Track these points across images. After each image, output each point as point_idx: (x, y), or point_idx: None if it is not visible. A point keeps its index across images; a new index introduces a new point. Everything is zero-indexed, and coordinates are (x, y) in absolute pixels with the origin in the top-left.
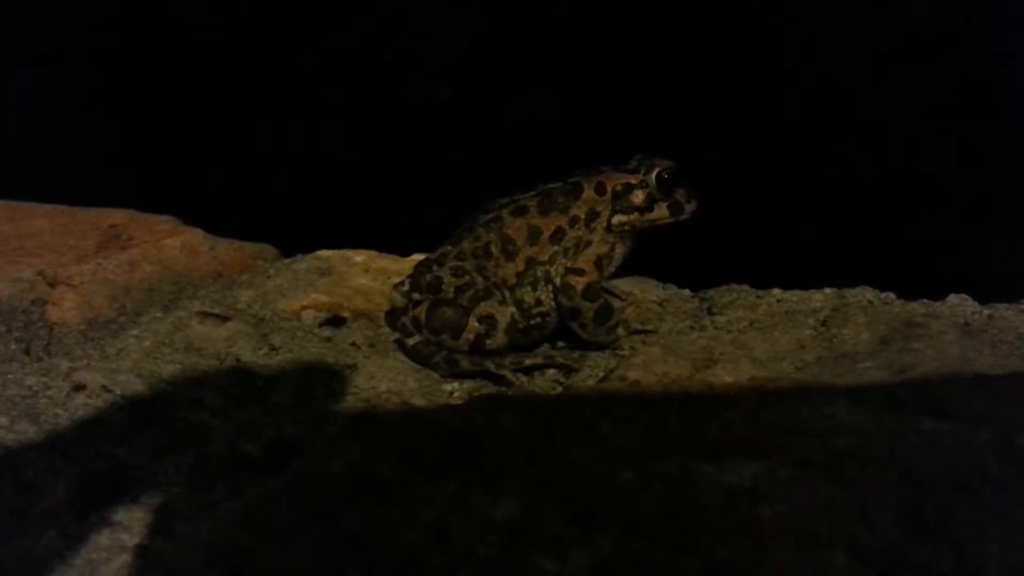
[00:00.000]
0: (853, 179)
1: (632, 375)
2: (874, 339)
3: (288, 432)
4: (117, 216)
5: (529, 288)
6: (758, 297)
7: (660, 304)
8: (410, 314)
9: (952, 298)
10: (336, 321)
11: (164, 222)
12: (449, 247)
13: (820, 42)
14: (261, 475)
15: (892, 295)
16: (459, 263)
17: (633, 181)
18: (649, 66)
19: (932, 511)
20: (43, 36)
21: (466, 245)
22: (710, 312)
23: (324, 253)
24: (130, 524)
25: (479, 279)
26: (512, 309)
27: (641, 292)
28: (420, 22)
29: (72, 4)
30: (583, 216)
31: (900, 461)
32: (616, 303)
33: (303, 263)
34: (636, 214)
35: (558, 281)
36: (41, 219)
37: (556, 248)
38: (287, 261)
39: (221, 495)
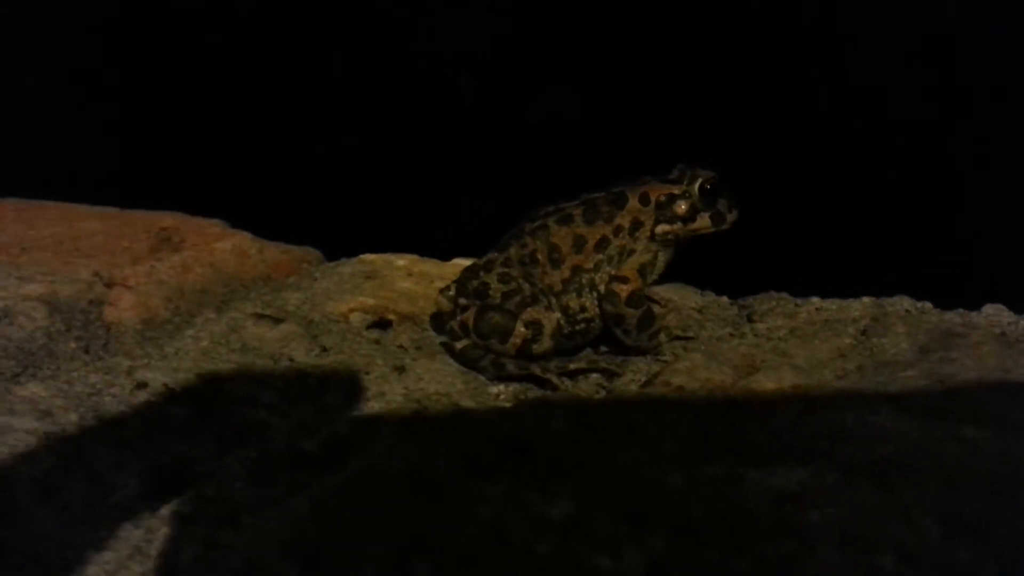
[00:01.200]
0: (886, 184)
1: (676, 380)
2: (914, 348)
3: (343, 431)
4: (167, 219)
5: (575, 295)
6: (797, 305)
7: (699, 311)
8: (458, 319)
9: (988, 308)
10: (383, 324)
11: (213, 225)
12: (496, 254)
13: (853, 41)
14: (321, 471)
15: (929, 304)
16: (506, 270)
17: (676, 192)
18: (674, 66)
19: (974, 515)
20: (85, 39)
21: (513, 252)
22: (749, 319)
23: (367, 257)
24: (199, 517)
25: (526, 285)
26: (558, 315)
27: (680, 299)
28: (446, 21)
29: (112, 7)
30: (627, 225)
31: (943, 467)
32: (657, 309)
33: (348, 267)
34: (679, 224)
35: (603, 288)
36: (94, 221)
37: (601, 256)
38: (332, 264)
39: (284, 490)
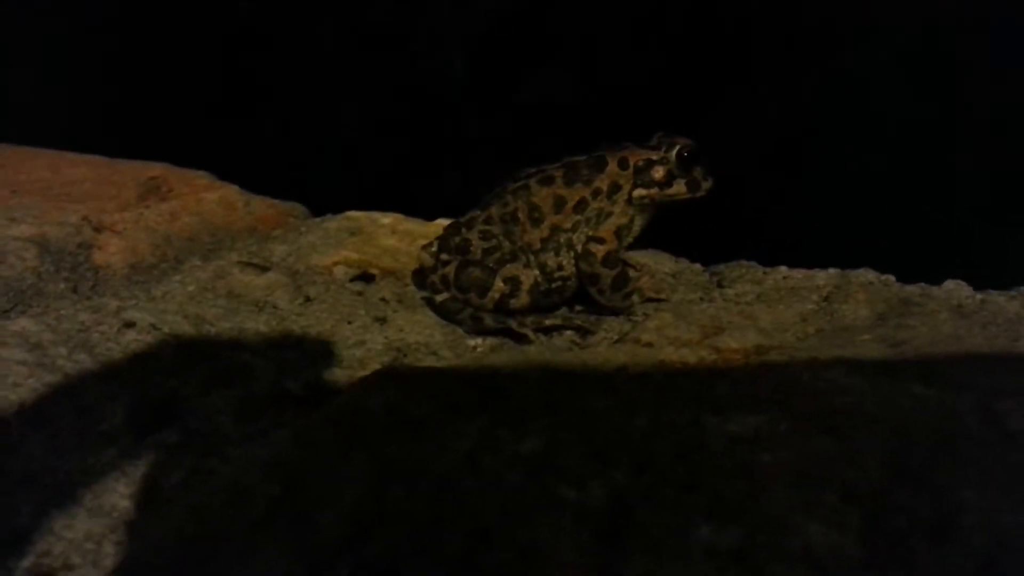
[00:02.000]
0: (862, 167)
1: (646, 337)
2: (872, 315)
3: (325, 374)
4: (156, 169)
5: (552, 253)
6: (765, 273)
7: (673, 276)
8: (439, 273)
9: (948, 283)
10: (366, 277)
11: (201, 177)
12: (477, 212)
13: (838, 30)
14: (304, 409)
15: (892, 277)
16: (487, 227)
17: (655, 157)
18: (666, 50)
19: (916, 462)
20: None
21: (494, 211)
22: (719, 285)
23: (353, 214)
24: (185, 446)
25: (506, 243)
26: (536, 272)
27: (656, 264)
28: None
29: None
30: (606, 188)
31: (890, 419)
32: (632, 272)
33: (333, 222)
34: (656, 188)
35: (580, 248)
36: (82, 168)
37: (579, 217)
38: (318, 220)
39: (267, 425)
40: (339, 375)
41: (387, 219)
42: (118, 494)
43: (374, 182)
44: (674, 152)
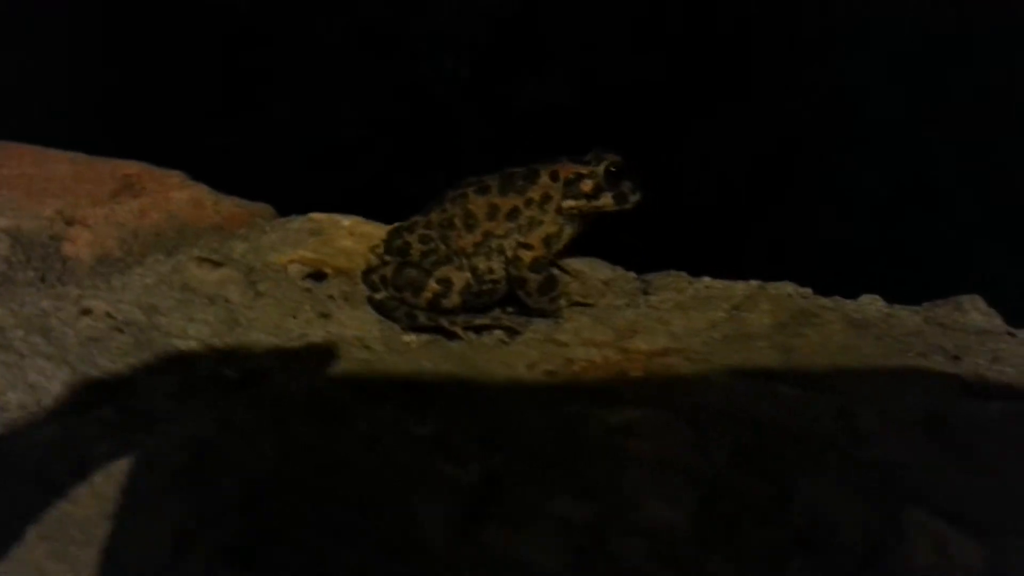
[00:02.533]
0: (826, 182)
1: (563, 338)
2: (774, 324)
3: (263, 362)
4: (132, 167)
5: (483, 257)
6: (689, 283)
7: (606, 283)
8: (379, 272)
9: (864, 297)
10: (319, 276)
11: (174, 176)
12: (419, 217)
13: (835, 40)
14: (235, 393)
15: (810, 290)
16: (426, 231)
17: (584, 171)
18: (665, 53)
19: (762, 453)
20: None
21: (434, 216)
22: (645, 292)
23: (316, 216)
24: (119, 423)
25: (442, 247)
26: (467, 275)
27: (591, 271)
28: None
29: None
30: (538, 198)
31: (751, 415)
32: (564, 278)
33: (296, 223)
34: (584, 200)
35: (510, 253)
36: (64, 164)
37: (511, 225)
38: (282, 220)
39: (200, 406)
40: (275, 364)
41: (347, 221)
42: (54, 468)
43: (364, 184)
44: (602, 167)
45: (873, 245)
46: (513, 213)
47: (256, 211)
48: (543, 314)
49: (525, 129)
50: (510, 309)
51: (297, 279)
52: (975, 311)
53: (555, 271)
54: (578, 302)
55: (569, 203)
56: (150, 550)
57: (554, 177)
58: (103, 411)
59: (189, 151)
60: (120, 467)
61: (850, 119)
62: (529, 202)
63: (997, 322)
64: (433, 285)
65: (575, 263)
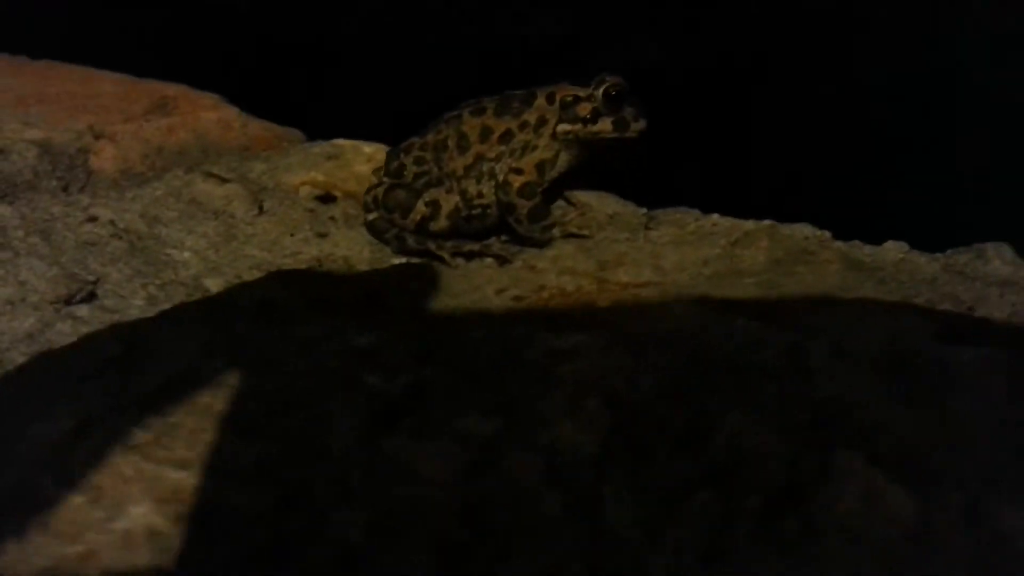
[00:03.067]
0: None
1: (540, 265)
2: (768, 261)
3: (246, 276)
4: (171, 89)
5: (474, 180)
6: (696, 219)
7: (611, 216)
8: (371, 193)
9: (889, 243)
10: (328, 198)
11: (208, 98)
12: (416, 139)
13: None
14: (202, 299)
15: (828, 233)
16: (421, 153)
17: (581, 94)
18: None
19: (694, 383)
20: None
21: (429, 137)
22: (646, 227)
23: (340, 141)
24: (90, 319)
25: (435, 169)
26: (456, 198)
27: (598, 203)
28: None
29: None
30: (533, 122)
31: (697, 348)
32: (564, 208)
33: (318, 147)
34: (580, 124)
35: (500, 177)
36: (108, 84)
37: (503, 148)
38: (306, 144)
39: (166, 308)
40: (260, 278)
41: (369, 148)
42: (21, 352)
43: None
44: (601, 90)
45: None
46: (506, 136)
47: (284, 135)
48: (534, 243)
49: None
50: (504, 238)
51: (306, 200)
52: (998, 259)
53: (550, 203)
54: (572, 233)
55: (564, 127)
56: (54, 433)
57: (550, 99)
58: (79, 309)
59: (267, 86)
60: (63, 353)
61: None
62: (524, 125)
63: None
64: (421, 207)
65: (583, 195)
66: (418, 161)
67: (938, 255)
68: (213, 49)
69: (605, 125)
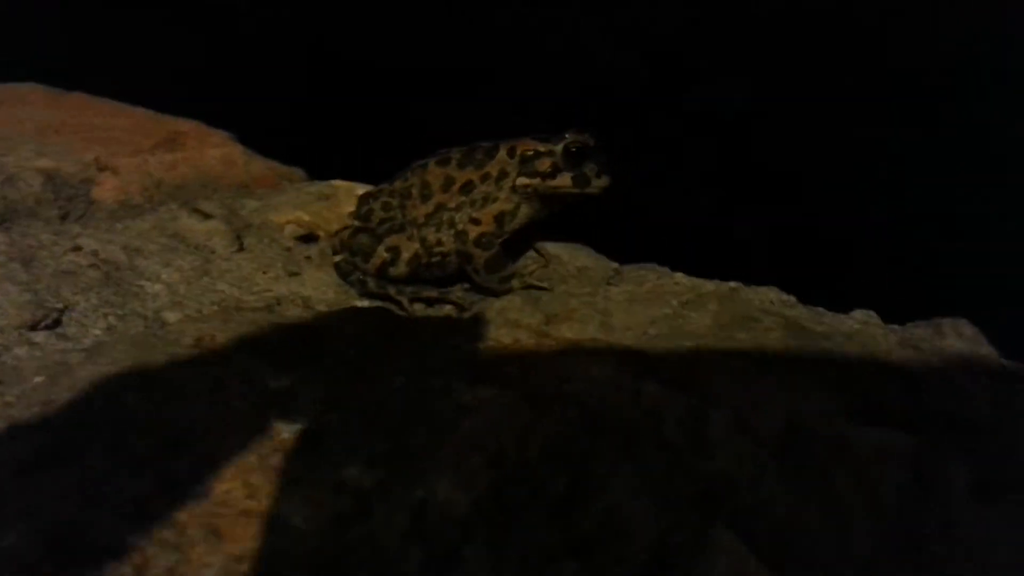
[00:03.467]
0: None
1: (487, 315)
2: (713, 325)
3: (206, 310)
4: (185, 125)
5: (433, 229)
6: (658, 277)
7: (579, 269)
8: (339, 236)
9: (857, 312)
10: (310, 238)
11: (217, 135)
12: (387, 185)
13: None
14: (153, 332)
15: (794, 299)
16: (389, 199)
17: (542, 149)
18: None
19: (583, 446)
20: None
21: (398, 184)
22: (608, 283)
23: (336, 182)
24: (44, 345)
25: (399, 215)
26: (417, 245)
27: (569, 256)
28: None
29: None
30: (495, 174)
31: (600, 407)
32: (530, 259)
33: (313, 187)
34: (539, 179)
35: (460, 227)
36: (126, 118)
37: (464, 198)
38: (304, 183)
39: (116, 338)
40: (213, 311)
41: (363, 189)
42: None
43: None
44: (561, 146)
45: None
46: (467, 186)
47: (286, 173)
48: (493, 293)
49: (695, 131)
50: (466, 286)
51: (288, 239)
52: (955, 335)
53: (519, 253)
54: (532, 285)
55: (523, 180)
56: None
57: (511, 153)
58: (39, 335)
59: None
60: (22, 381)
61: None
62: (485, 177)
63: (984, 350)
64: (382, 252)
65: (554, 247)
66: (385, 207)
67: (895, 327)
68: (240, 88)
69: (565, 180)
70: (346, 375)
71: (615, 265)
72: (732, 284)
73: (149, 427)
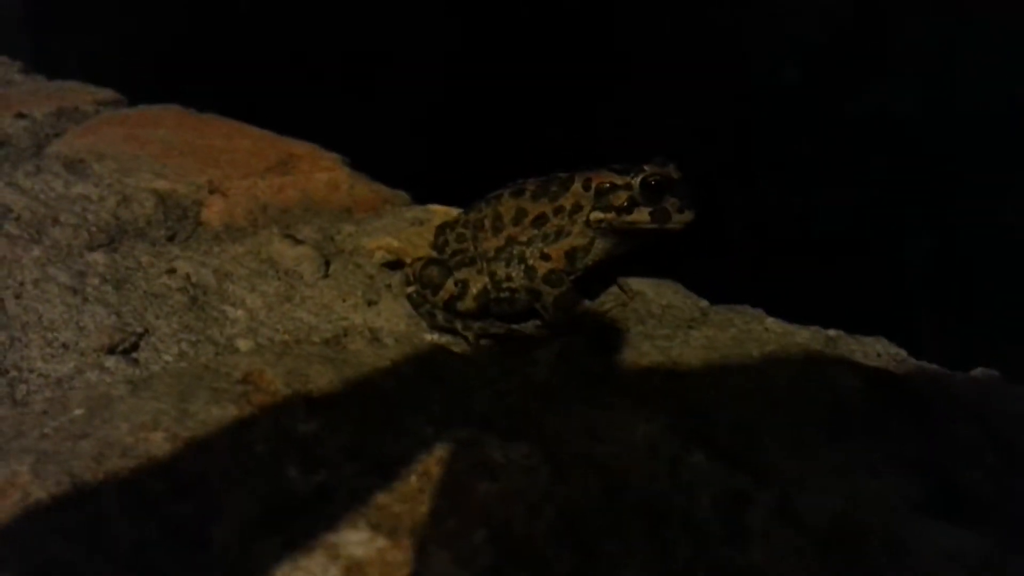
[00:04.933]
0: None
1: (546, 357)
2: (791, 384)
3: (277, 338)
4: (301, 148)
5: (503, 263)
6: (746, 322)
7: (663, 309)
8: (412, 266)
9: (978, 371)
10: (396, 264)
11: (328, 158)
12: (464, 215)
13: None
14: (213, 358)
15: (904, 352)
16: (463, 230)
17: (619, 182)
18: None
19: (599, 523)
20: None
21: (472, 215)
22: (690, 326)
23: (434, 207)
24: (114, 371)
25: (471, 248)
26: (485, 279)
27: (654, 294)
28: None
29: None
30: (568, 207)
31: (628, 477)
32: (610, 297)
33: (410, 212)
34: (613, 214)
35: (530, 262)
36: (247, 140)
37: (536, 232)
38: (403, 207)
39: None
40: (282, 340)
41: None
42: (53, 390)
43: None
44: (639, 179)
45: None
46: (540, 219)
47: (390, 197)
48: (565, 331)
49: (860, 141)
50: (539, 323)
51: (374, 265)
52: None
53: (603, 288)
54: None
55: (597, 215)
56: None
57: (586, 185)
58: (114, 358)
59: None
60: (64, 411)
61: None
62: (559, 210)
63: None
64: (450, 286)
65: (640, 283)
66: (459, 238)
67: None
68: (364, 107)
69: (642, 215)
70: (377, 422)
71: (703, 304)
72: (832, 332)
73: (166, 469)
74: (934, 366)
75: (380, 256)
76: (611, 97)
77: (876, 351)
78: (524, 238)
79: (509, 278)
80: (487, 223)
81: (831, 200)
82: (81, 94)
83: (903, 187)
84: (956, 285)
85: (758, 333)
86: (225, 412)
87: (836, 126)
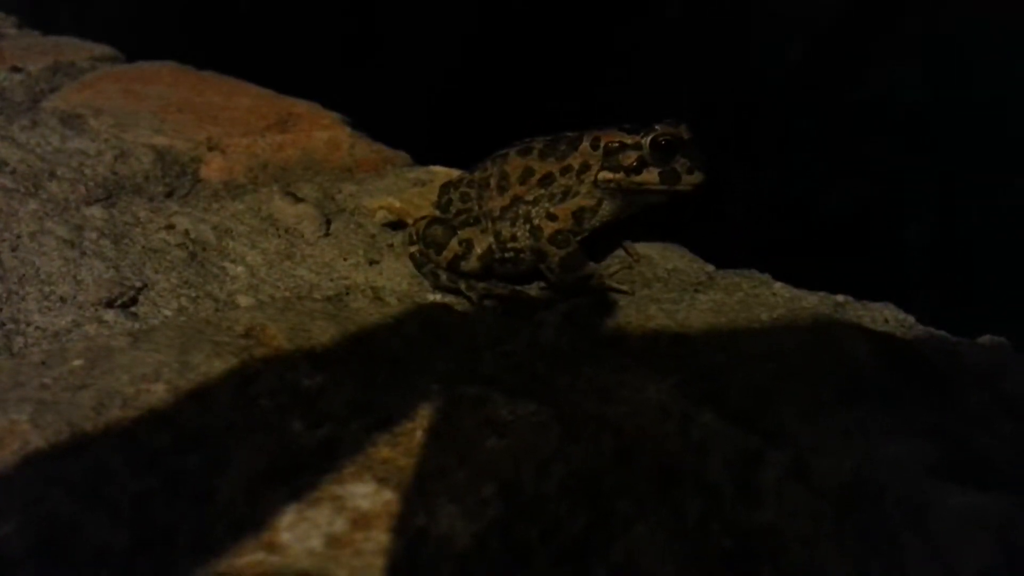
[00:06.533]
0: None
1: (552, 318)
2: (800, 348)
3: (277, 295)
4: (300, 107)
5: (508, 223)
6: (754, 286)
7: (669, 271)
8: (416, 225)
9: (986, 338)
10: (399, 224)
11: (328, 117)
12: (467, 174)
13: None
14: (213, 315)
15: (912, 319)
16: (467, 189)
17: (628, 141)
18: None
19: (611, 481)
20: None
21: (477, 174)
22: (696, 290)
23: (435, 168)
24: (113, 324)
25: (476, 207)
26: (490, 239)
27: (660, 257)
28: None
29: None
30: (576, 167)
31: (639, 437)
32: (622, 258)
33: (412, 172)
34: (622, 174)
35: (536, 222)
36: (247, 98)
37: (542, 191)
38: (405, 168)
39: (178, 318)
40: (283, 297)
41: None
42: (41, 349)
43: None
44: (649, 138)
45: None
46: (547, 179)
47: (390, 157)
48: (570, 293)
49: (864, 123)
50: (543, 284)
51: (375, 225)
52: None
53: (607, 251)
54: (611, 287)
55: (606, 175)
56: None
57: (595, 144)
58: (113, 312)
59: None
60: (64, 362)
61: None
62: (566, 169)
63: None
64: (454, 245)
65: (646, 247)
66: (463, 197)
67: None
68: (366, 68)
69: (651, 176)
70: (382, 378)
71: (710, 268)
72: (840, 298)
73: (169, 421)
74: (942, 332)
75: (382, 216)
76: (615, 76)
77: (884, 317)
78: (530, 197)
79: (514, 238)
80: (493, 182)
81: (837, 179)
82: (77, 49)
83: (909, 170)
84: (958, 262)
85: (766, 297)
86: (228, 365)
87: (840, 108)
